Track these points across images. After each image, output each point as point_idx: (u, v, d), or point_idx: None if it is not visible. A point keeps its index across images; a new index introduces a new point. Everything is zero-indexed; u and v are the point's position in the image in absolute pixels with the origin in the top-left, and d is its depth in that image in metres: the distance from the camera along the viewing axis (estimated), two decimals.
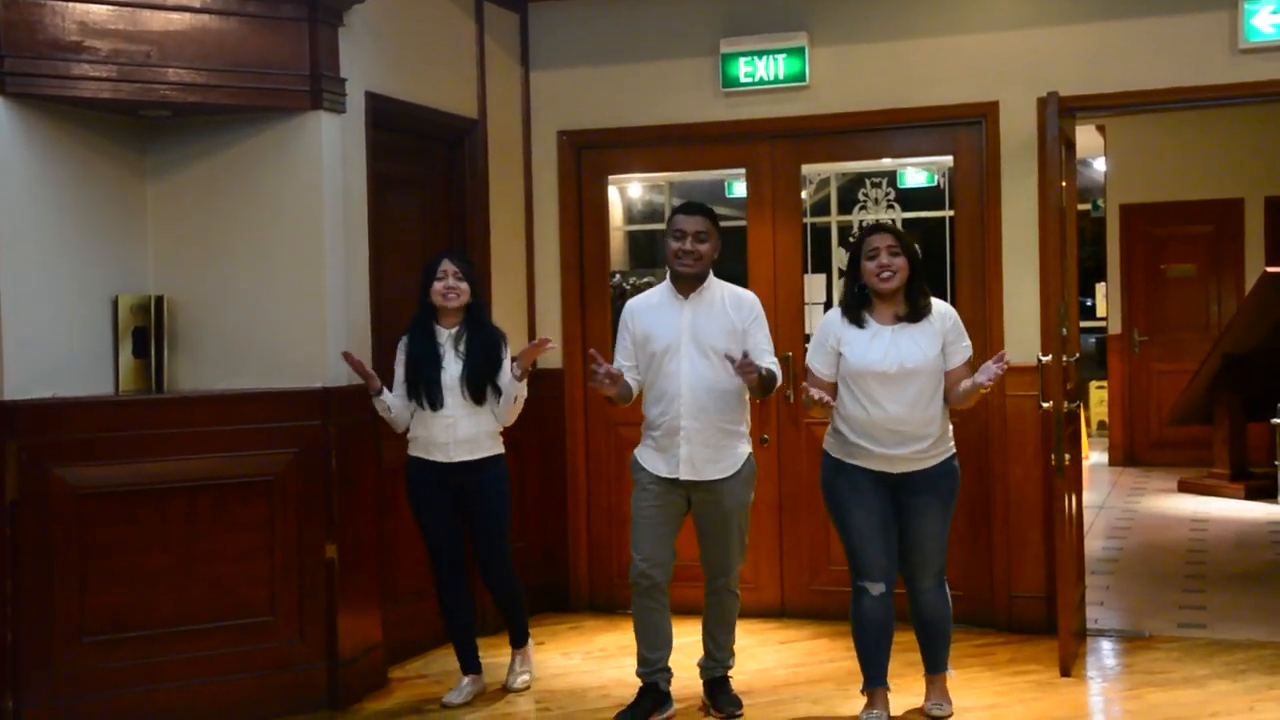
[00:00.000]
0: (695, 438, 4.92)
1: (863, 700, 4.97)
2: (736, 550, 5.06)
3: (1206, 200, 11.82)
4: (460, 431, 5.26)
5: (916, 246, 4.88)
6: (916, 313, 4.82)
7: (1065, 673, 5.49)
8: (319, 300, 5.32)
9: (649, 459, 5.03)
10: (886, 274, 4.76)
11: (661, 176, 7.90)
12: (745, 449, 5.03)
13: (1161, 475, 11.26)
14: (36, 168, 4.94)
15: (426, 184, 6.32)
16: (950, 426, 4.92)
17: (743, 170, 6.91)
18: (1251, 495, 9.99)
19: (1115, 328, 12.25)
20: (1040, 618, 6.15)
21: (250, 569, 5.18)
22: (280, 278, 5.36)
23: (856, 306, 4.86)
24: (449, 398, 5.24)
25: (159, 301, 5.31)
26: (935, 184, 6.97)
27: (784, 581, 6.66)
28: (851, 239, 6.79)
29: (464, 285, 5.30)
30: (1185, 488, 10.51)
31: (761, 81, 6.58)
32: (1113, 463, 12.11)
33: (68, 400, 4.97)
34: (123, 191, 5.35)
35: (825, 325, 4.95)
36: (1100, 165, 12.66)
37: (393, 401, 5.29)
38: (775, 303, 6.60)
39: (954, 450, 4.92)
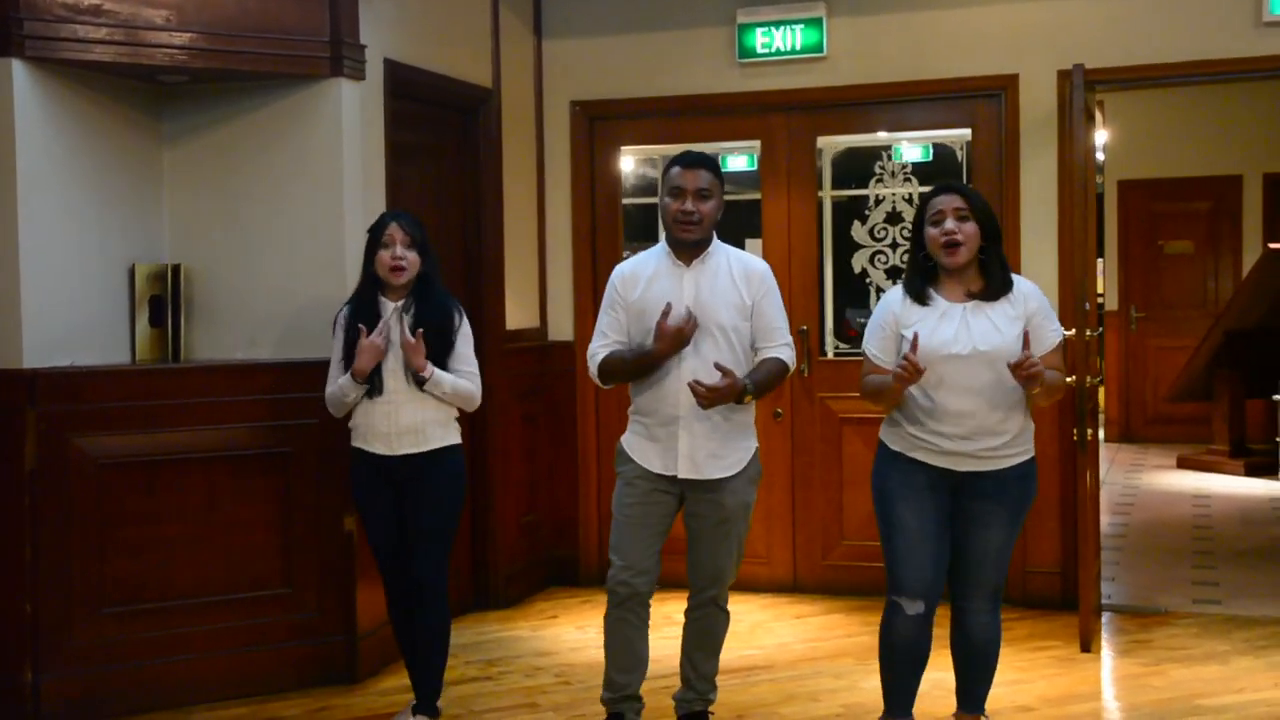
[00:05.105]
0: (697, 429, 4.24)
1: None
2: (733, 559, 4.37)
3: (1205, 177, 11.81)
4: (403, 419, 4.57)
5: (993, 211, 4.16)
6: (994, 289, 4.08)
7: (1086, 648, 5.48)
8: (337, 269, 5.23)
9: (640, 450, 4.35)
10: (953, 243, 4.02)
11: (667, 148, 7.81)
12: (752, 444, 4.37)
13: (1159, 452, 11.30)
14: (53, 133, 4.86)
15: (441, 153, 6.24)
16: (1032, 425, 4.15)
17: (749, 142, 6.84)
18: (1251, 471, 10.04)
19: (1112, 304, 12.25)
20: (1056, 593, 6.14)
21: (268, 541, 5.14)
22: (298, 247, 5.28)
23: (920, 281, 4.13)
24: (390, 381, 4.55)
25: (175, 270, 5.24)
26: (929, 159, 6.89)
27: (796, 556, 6.63)
28: (868, 212, 6.78)
29: (413, 255, 4.58)
30: (1184, 464, 10.53)
31: (778, 52, 6.51)
32: (1109, 439, 12.11)
33: (87, 369, 4.90)
34: (140, 158, 5.26)
35: (884, 304, 4.21)
36: (1098, 140, 12.62)
37: (344, 384, 4.60)
38: (790, 276, 6.56)
39: (1033, 453, 4.16)
